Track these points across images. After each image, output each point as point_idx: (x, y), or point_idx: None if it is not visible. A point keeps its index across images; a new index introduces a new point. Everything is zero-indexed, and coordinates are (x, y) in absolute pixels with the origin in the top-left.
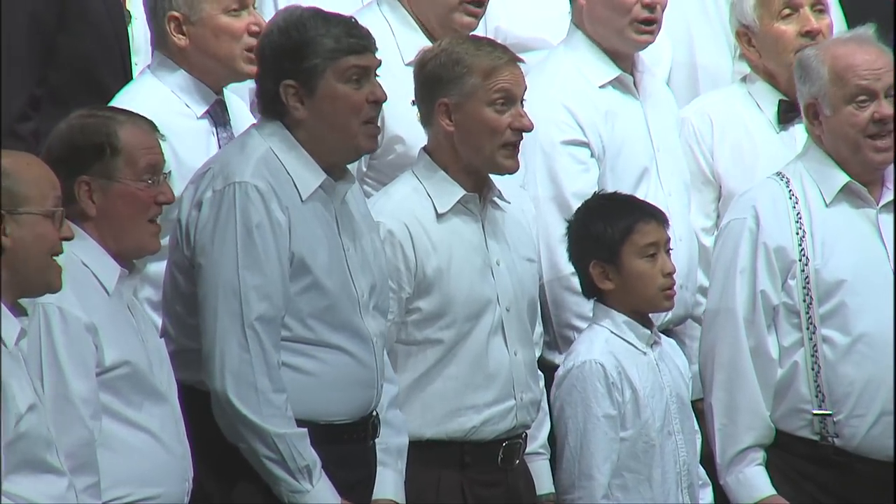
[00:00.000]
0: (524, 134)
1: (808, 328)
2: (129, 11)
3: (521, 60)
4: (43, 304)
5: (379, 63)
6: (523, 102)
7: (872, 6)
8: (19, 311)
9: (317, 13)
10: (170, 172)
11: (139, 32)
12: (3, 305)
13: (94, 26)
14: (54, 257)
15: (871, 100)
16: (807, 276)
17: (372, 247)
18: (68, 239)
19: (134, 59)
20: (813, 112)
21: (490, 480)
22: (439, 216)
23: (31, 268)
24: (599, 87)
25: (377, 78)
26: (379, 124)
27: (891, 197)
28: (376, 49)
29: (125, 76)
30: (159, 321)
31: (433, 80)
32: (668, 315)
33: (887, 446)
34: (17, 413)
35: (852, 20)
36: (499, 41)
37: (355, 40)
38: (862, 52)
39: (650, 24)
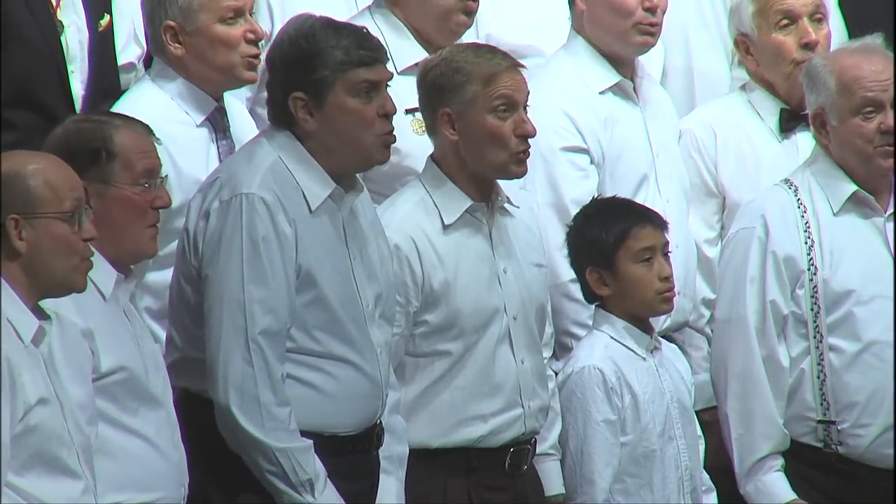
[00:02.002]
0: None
1: (815, 337)
2: (60, 22)
3: (521, 66)
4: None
5: (390, 76)
6: (526, 108)
7: (873, 9)
8: (42, 315)
9: (327, 23)
10: (166, 176)
11: (73, 41)
12: (21, 303)
13: (28, 43)
14: (79, 258)
15: (877, 111)
16: (815, 286)
17: (378, 253)
18: (90, 239)
19: (70, 68)
20: (820, 121)
21: (497, 485)
22: (445, 227)
23: (50, 271)
24: (599, 93)
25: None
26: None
27: None
28: (387, 60)
29: (63, 89)
30: (158, 330)
31: (434, 90)
32: (667, 322)
33: (891, 455)
34: (25, 402)
35: (852, 23)
36: None
37: (365, 52)
38: (869, 62)
39: (652, 27)
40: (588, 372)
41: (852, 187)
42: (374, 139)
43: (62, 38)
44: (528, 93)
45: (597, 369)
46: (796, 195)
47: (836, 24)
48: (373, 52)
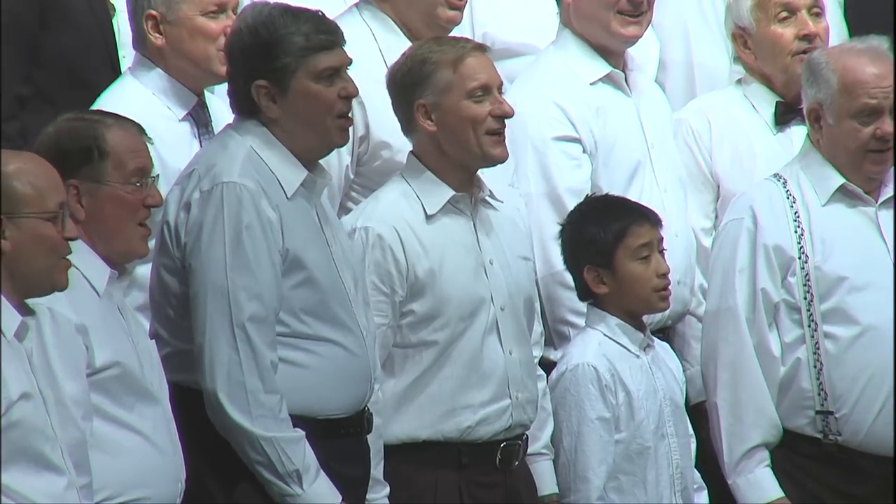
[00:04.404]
0: (511, 126)
1: (809, 325)
2: (112, 4)
3: (486, 48)
4: (33, 306)
5: (350, 61)
6: (500, 90)
7: (873, 6)
8: (26, 311)
9: (285, 10)
10: (158, 176)
11: (124, 26)
12: (4, 299)
13: (77, 23)
14: (59, 257)
15: (875, 117)
16: (807, 274)
17: (347, 241)
18: (72, 239)
19: (121, 53)
20: (815, 116)
21: (488, 482)
22: (429, 217)
23: (33, 270)
24: (590, 83)
25: (348, 72)
26: (364, 131)
27: (890, 193)
28: (345, 42)
29: (112, 70)
30: (146, 323)
31: (405, 86)
32: (666, 312)
33: (891, 442)
34: (7, 398)
35: (852, 20)
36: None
37: (325, 36)
38: (873, 66)
39: (636, 17)
40: (582, 369)
41: (840, 179)
42: (335, 122)
43: (114, 22)
44: (502, 82)
45: (591, 367)
46: (785, 187)
47: (837, 23)
48: (332, 36)
